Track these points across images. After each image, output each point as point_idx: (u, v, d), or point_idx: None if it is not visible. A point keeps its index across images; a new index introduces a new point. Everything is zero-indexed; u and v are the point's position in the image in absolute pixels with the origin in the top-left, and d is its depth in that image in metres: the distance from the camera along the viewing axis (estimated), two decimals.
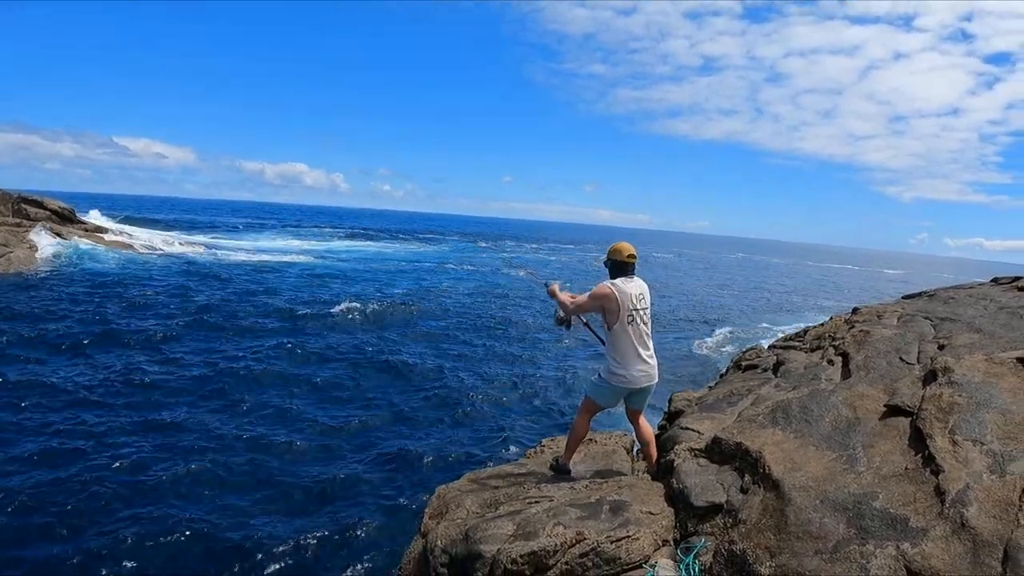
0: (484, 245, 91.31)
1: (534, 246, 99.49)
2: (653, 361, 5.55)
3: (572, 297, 5.74)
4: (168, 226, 64.92)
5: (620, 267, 5.54)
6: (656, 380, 5.62)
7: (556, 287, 5.90)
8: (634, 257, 5.58)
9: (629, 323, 5.37)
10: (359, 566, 8.71)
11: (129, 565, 8.35)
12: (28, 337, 17.47)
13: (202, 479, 10.57)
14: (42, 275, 26.55)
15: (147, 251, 39.35)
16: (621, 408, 5.92)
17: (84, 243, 34.80)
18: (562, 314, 5.89)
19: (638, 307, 5.43)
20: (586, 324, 6.13)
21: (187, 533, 9.07)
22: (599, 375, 5.60)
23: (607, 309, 5.39)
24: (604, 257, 5.72)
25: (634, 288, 5.46)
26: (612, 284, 5.46)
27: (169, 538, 8.95)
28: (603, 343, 5.72)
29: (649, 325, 5.54)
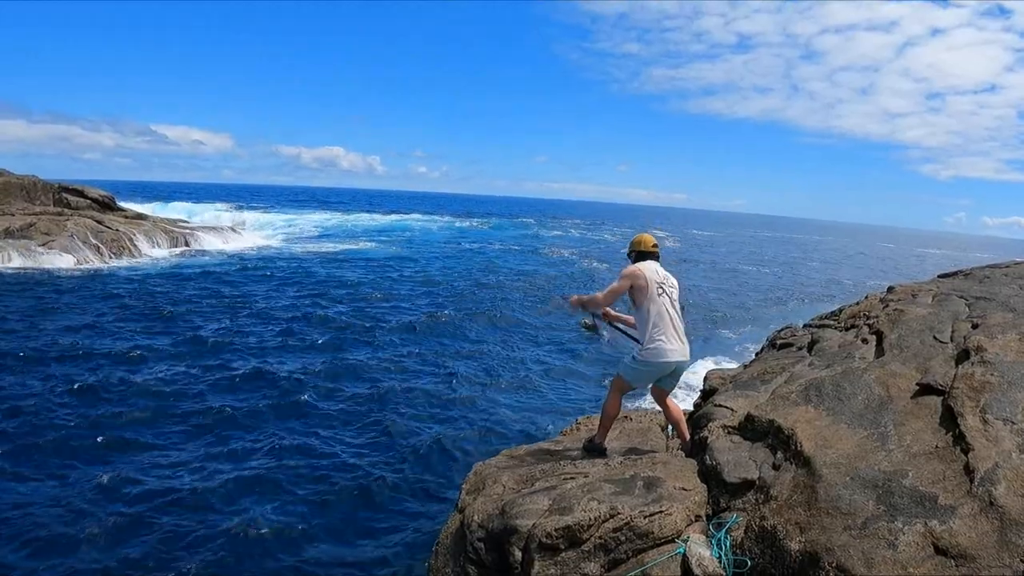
0: (525, 220, 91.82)
1: (576, 221, 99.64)
2: (686, 341, 5.68)
3: (597, 294, 5.93)
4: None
5: (643, 256, 5.85)
6: (688, 360, 5.73)
7: (576, 296, 6.09)
8: (656, 247, 5.91)
9: (659, 295, 5.55)
10: (397, 541, 8.90)
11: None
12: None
13: (227, 448, 10.92)
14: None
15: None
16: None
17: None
18: (588, 320, 6.24)
19: (664, 283, 5.64)
20: (612, 323, 6.27)
21: (220, 504, 9.38)
22: (633, 356, 5.70)
23: (636, 286, 5.59)
24: (627, 249, 6.04)
25: (660, 270, 5.73)
26: (636, 265, 5.74)
27: (207, 502, 9.26)
28: (635, 340, 5.85)
29: (679, 308, 5.69)
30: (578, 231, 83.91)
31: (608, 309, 6.18)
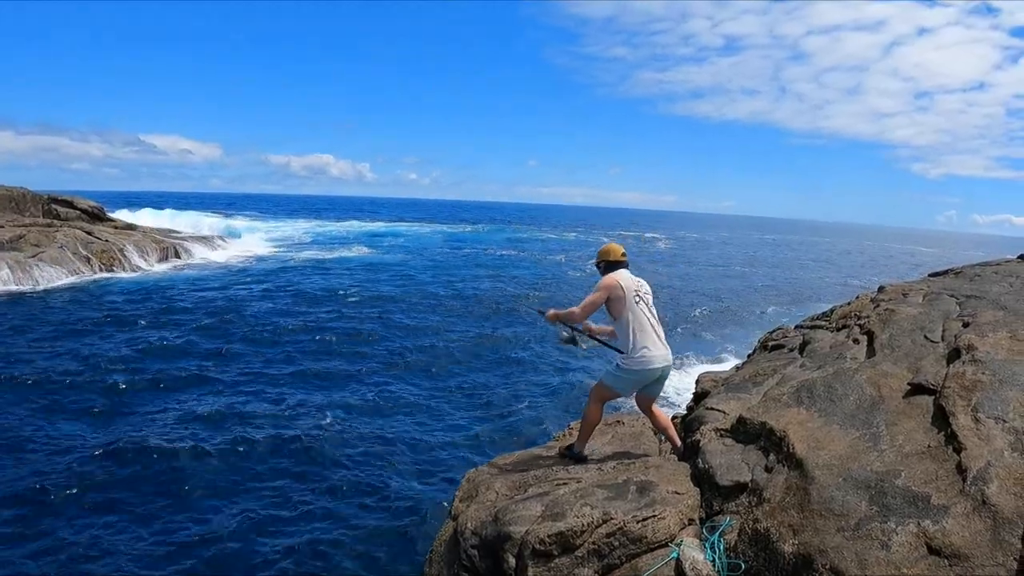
0: (517, 226, 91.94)
1: (568, 225, 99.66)
2: (667, 345, 5.68)
3: (574, 308, 5.84)
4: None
5: (613, 265, 5.84)
6: (672, 364, 5.74)
7: (552, 311, 6.03)
8: (625, 256, 5.94)
9: (636, 303, 5.56)
10: (390, 549, 8.86)
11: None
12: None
13: (226, 463, 10.82)
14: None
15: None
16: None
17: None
18: (566, 333, 6.11)
19: (640, 290, 5.66)
20: (591, 336, 6.18)
21: (212, 515, 9.33)
22: (617, 364, 5.70)
23: (614, 297, 5.58)
24: (596, 260, 6.03)
25: (633, 277, 5.75)
26: (611, 275, 5.72)
27: (188, 514, 9.21)
28: (617, 349, 5.83)
29: (655, 312, 5.71)
30: (573, 235, 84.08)
31: (588, 323, 6.14)
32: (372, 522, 9.41)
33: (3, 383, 13.72)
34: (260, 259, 39.75)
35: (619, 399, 6.20)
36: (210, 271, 33.11)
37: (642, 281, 5.77)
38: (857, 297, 9.76)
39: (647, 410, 5.98)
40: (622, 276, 5.66)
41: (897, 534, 3.41)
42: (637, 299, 5.56)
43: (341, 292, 27.72)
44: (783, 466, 4.37)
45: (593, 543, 4.15)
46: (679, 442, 5.89)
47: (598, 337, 6.15)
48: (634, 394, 5.93)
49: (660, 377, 5.72)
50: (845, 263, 67.31)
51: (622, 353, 5.64)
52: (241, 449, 11.36)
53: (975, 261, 12.67)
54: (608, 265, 5.84)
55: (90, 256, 30.32)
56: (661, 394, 6.20)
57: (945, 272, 10.54)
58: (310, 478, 10.61)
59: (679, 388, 14.06)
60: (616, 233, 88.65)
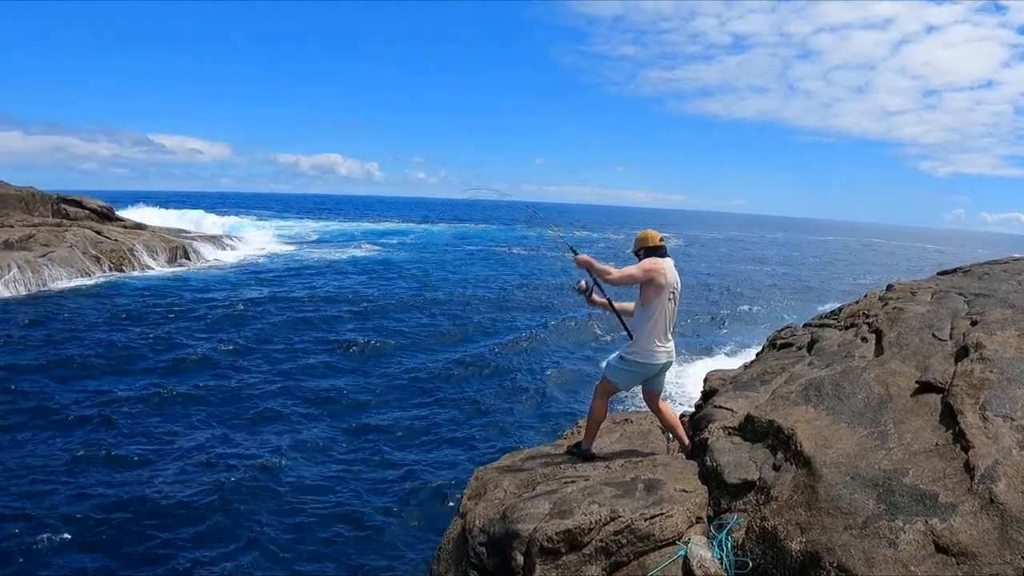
0: (525, 225, 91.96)
1: (577, 224, 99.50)
2: (672, 341, 5.65)
3: (612, 268, 5.59)
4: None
5: (653, 251, 5.59)
6: (673, 359, 5.69)
7: (586, 256, 5.67)
8: (664, 241, 5.71)
9: (669, 300, 5.45)
10: (400, 546, 8.89)
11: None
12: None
13: (240, 469, 10.84)
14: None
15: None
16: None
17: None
18: (584, 283, 5.81)
19: (676, 289, 5.55)
20: (608, 300, 5.91)
21: (230, 509, 9.38)
22: (620, 356, 5.66)
23: (654, 282, 5.40)
24: (633, 247, 5.75)
25: (675, 273, 5.57)
26: (660, 261, 5.51)
27: (211, 507, 9.26)
28: (623, 324, 5.76)
29: (676, 313, 5.62)
30: (582, 232, 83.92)
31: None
32: (381, 520, 9.44)
33: (5, 388, 13.75)
34: (270, 259, 39.81)
35: (628, 397, 6.17)
36: (219, 272, 33.12)
37: (678, 278, 5.60)
38: (865, 295, 9.73)
39: (654, 407, 5.96)
40: (668, 268, 5.48)
41: (905, 532, 3.42)
42: (671, 296, 5.46)
43: (352, 293, 27.75)
44: (791, 464, 4.37)
45: (601, 541, 4.15)
46: (687, 440, 5.88)
47: (615, 306, 5.90)
48: (642, 391, 5.92)
49: (662, 370, 5.69)
50: (853, 261, 67.14)
51: (631, 338, 5.60)
52: (256, 452, 11.42)
53: (984, 259, 12.64)
54: (648, 251, 5.59)
55: (99, 256, 30.35)
56: (667, 393, 6.16)
57: (954, 270, 10.51)
58: (320, 475, 10.66)
59: (687, 385, 14.07)
60: (625, 231, 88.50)
